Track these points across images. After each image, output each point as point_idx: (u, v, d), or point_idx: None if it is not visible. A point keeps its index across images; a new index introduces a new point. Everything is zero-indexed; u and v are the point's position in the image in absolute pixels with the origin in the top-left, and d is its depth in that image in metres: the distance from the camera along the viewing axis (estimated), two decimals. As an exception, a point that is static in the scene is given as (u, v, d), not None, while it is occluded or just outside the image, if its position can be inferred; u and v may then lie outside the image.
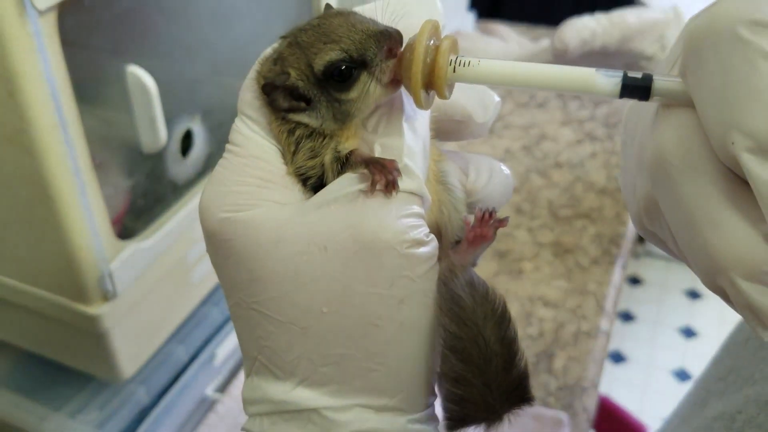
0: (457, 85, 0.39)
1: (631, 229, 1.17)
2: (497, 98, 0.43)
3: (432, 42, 0.36)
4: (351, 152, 0.38)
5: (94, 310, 0.67)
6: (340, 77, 0.37)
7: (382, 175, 0.36)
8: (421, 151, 0.39)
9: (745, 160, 0.27)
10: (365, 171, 0.36)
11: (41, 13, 0.54)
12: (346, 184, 0.37)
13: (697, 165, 0.29)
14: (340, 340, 0.37)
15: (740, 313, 0.28)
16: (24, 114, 0.56)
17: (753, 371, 0.54)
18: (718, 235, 0.28)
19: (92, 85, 0.66)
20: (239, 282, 0.37)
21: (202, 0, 0.77)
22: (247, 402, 0.39)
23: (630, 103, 0.37)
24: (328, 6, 0.41)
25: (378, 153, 0.38)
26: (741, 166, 0.27)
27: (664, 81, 0.31)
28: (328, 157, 0.38)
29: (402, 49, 0.37)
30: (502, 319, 0.39)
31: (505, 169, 0.45)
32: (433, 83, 0.36)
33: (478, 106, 0.42)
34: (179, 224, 0.74)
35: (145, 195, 0.75)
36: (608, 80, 0.33)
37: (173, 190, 0.77)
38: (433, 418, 0.40)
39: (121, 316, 0.69)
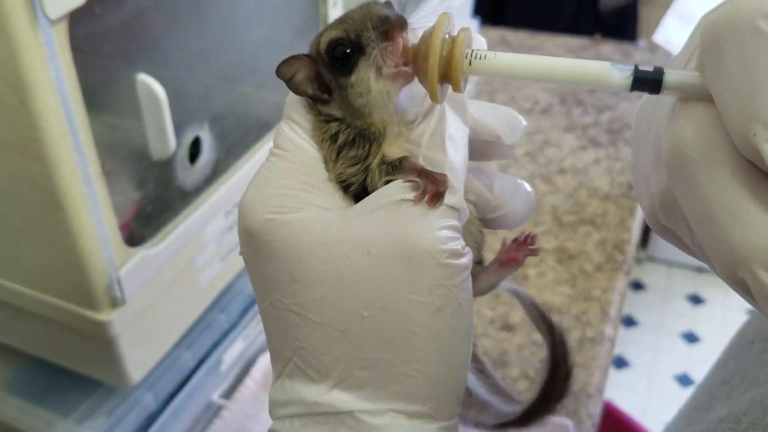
0: (487, 109, 0.39)
1: (635, 235, 1.17)
2: (525, 122, 0.43)
3: (447, 35, 0.36)
4: (404, 158, 0.38)
5: (102, 316, 0.67)
6: (343, 60, 0.38)
7: (434, 186, 0.36)
8: (461, 167, 0.39)
9: (767, 151, 0.27)
10: (417, 180, 0.37)
11: (53, 22, 0.55)
12: (393, 192, 0.37)
13: (717, 158, 0.29)
14: (379, 345, 0.37)
15: (761, 305, 0.29)
16: (35, 122, 0.57)
17: (758, 374, 0.54)
18: (739, 227, 0.28)
19: (102, 92, 0.67)
20: (278, 283, 0.37)
21: (211, 9, 0.77)
22: (276, 404, 0.39)
23: (642, 100, 0.37)
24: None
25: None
26: (762, 157, 0.27)
27: (675, 74, 0.32)
28: (375, 162, 0.38)
29: (405, 36, 0.37)
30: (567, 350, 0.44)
31: (528, 187, 0.45)
32: (449, 76, 0.36)
33: (507, 128, 0.43)
34: (187, 230, 0.75)
35: (153, 201, 0.75)
36: (620, 73, 0.33)
37: (181, 197, 0.78)
38: (457, 426, 0.40)
39: (129, 323, 0.70)
